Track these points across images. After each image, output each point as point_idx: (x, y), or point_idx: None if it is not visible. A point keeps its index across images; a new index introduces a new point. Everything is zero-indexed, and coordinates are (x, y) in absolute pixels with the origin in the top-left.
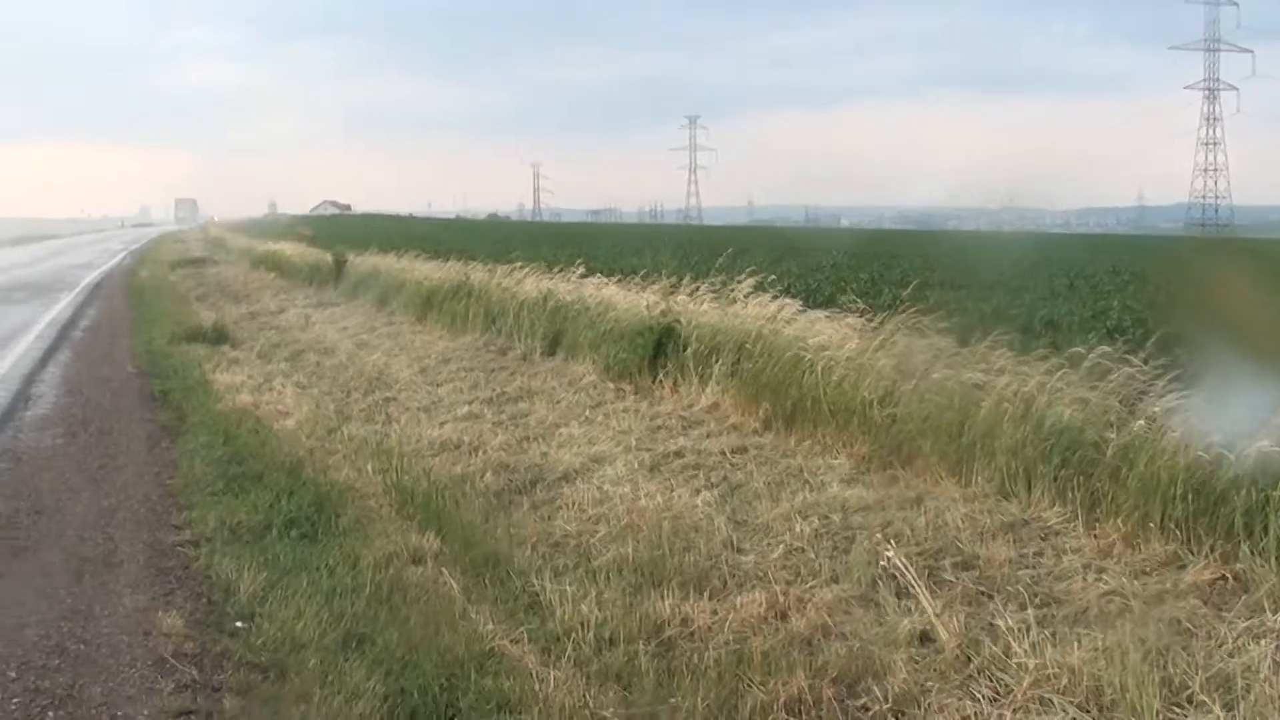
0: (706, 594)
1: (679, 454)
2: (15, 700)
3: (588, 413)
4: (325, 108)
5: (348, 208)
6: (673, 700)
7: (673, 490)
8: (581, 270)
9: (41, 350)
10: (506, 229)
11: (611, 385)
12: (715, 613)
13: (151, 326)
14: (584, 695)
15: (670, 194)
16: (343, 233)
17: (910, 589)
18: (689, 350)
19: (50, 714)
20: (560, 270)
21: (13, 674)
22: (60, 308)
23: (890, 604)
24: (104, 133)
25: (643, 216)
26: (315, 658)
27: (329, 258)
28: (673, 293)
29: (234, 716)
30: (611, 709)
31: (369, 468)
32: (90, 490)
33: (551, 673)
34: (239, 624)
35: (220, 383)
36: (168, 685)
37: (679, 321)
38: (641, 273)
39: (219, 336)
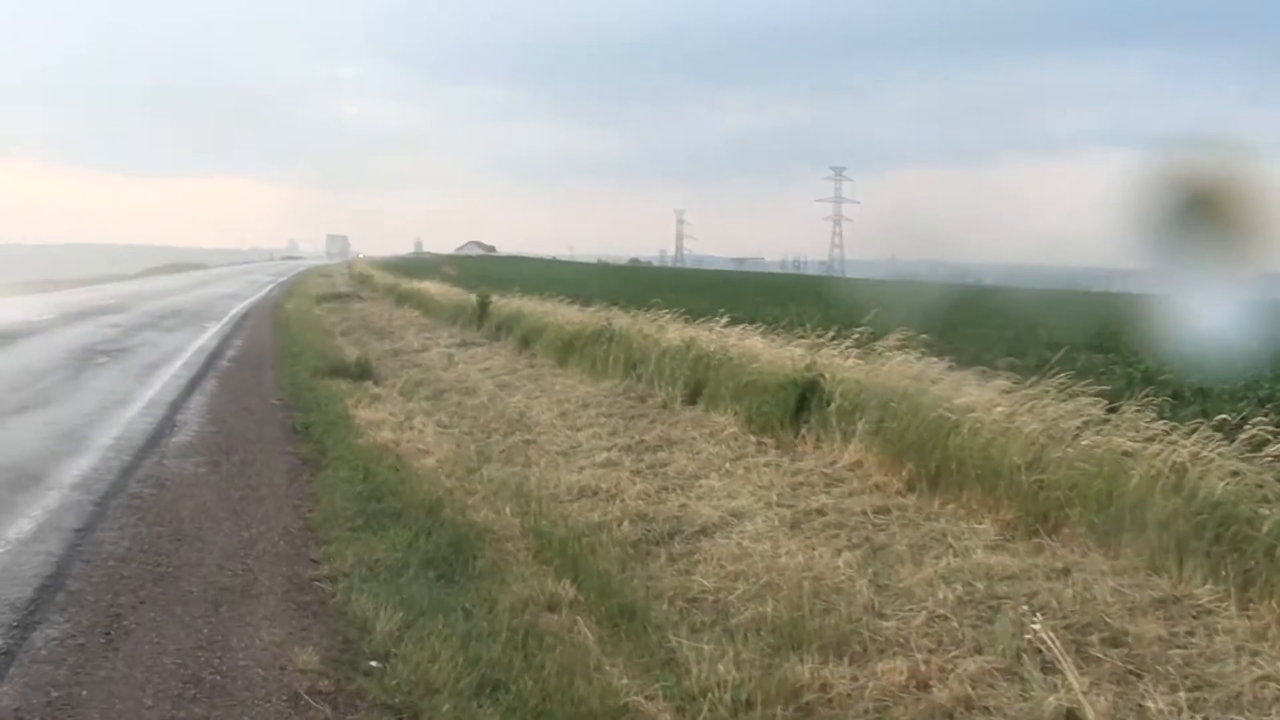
0: (846, 659)
1: (820, 512)
2: None
3: (728, 465)
4: (474, 150)
5: (492, 249)
6: None
7: (814, 549)
8: (725, 319)
9: (188, 378)
10: (648, 275)
11: (753, 438)
12: (855, 679)
13: (296, 359)
14: None
15: (813, 244)
16: (486, 274)
17: (1056, 664)
18: (832, 406)
19: None
20: (703, 318)
21: (149, 701)
22: (207, 337)
23: (1036, 679)
24: (257, 166)
25: (785, 266)
26: (449, 702)
27: (473, 298)
28: (818, 346)
29: None
30: None
31: (507, 510)
32: (231, 520)
33: None
34: (374, 663)
35: (362, 418)
36: None
37: (823, 376)
38: (784, 324)
39: (362, 372)
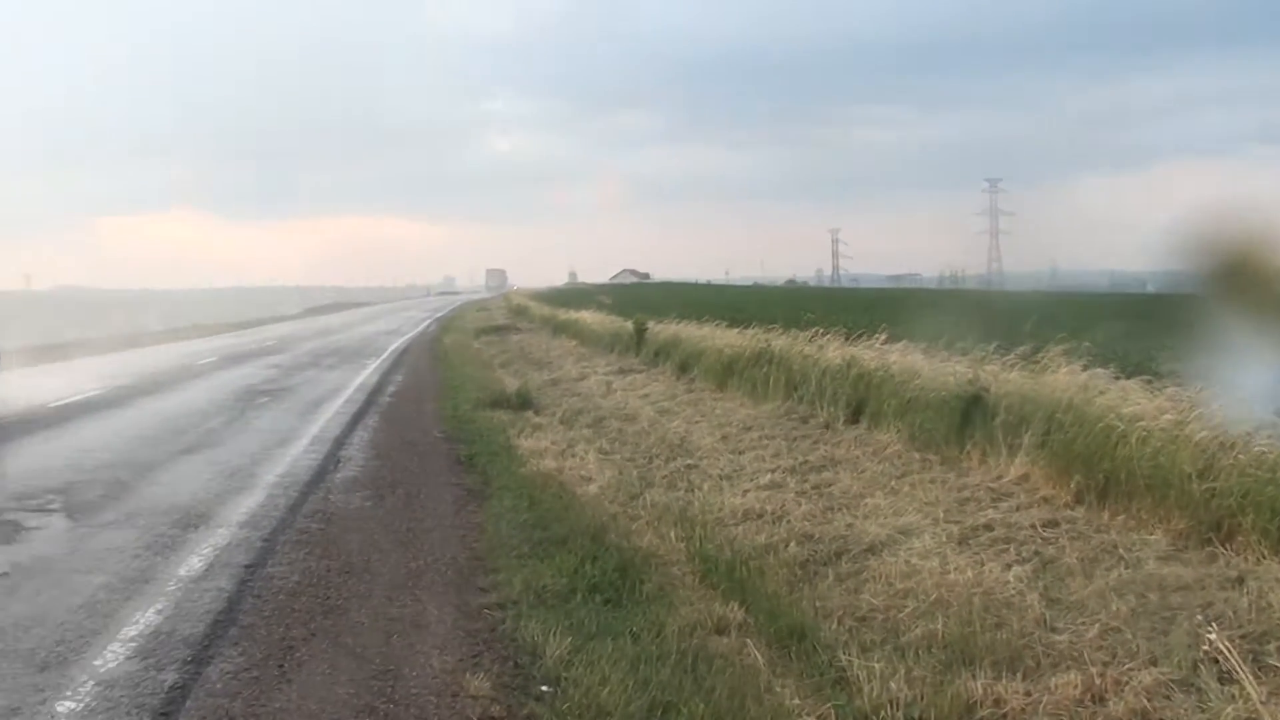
0: (1019, 674)
1: (988, 527)
2: None
3: (893, 483)
4: (624, 177)
5: (646, 276)
6: None
7: (982, 564)
8: (884, 336)
9: (350, 414)
10: (805, 295)
11: (917, 455)
12: (1029, 694)
13: (457, 392)
14: None
15: (971, 258)
16: (642, 301)
17: (1234, 674)
18: (997, 420)
19: None
20: (862, 336)
21: None
22: (368, 373)
23: (1213, 690)
24: (411, 204)
25: (942, 281)
26: None
27: (629, 325)
28: (979, 360)
29: None
30: None
31: (672, 534)
32: (398, 551)
33: None
34: (545, 688)
35: (524, 448)
36: None
37: (986, 390)
38: (943, 339)
39: (522, 402)
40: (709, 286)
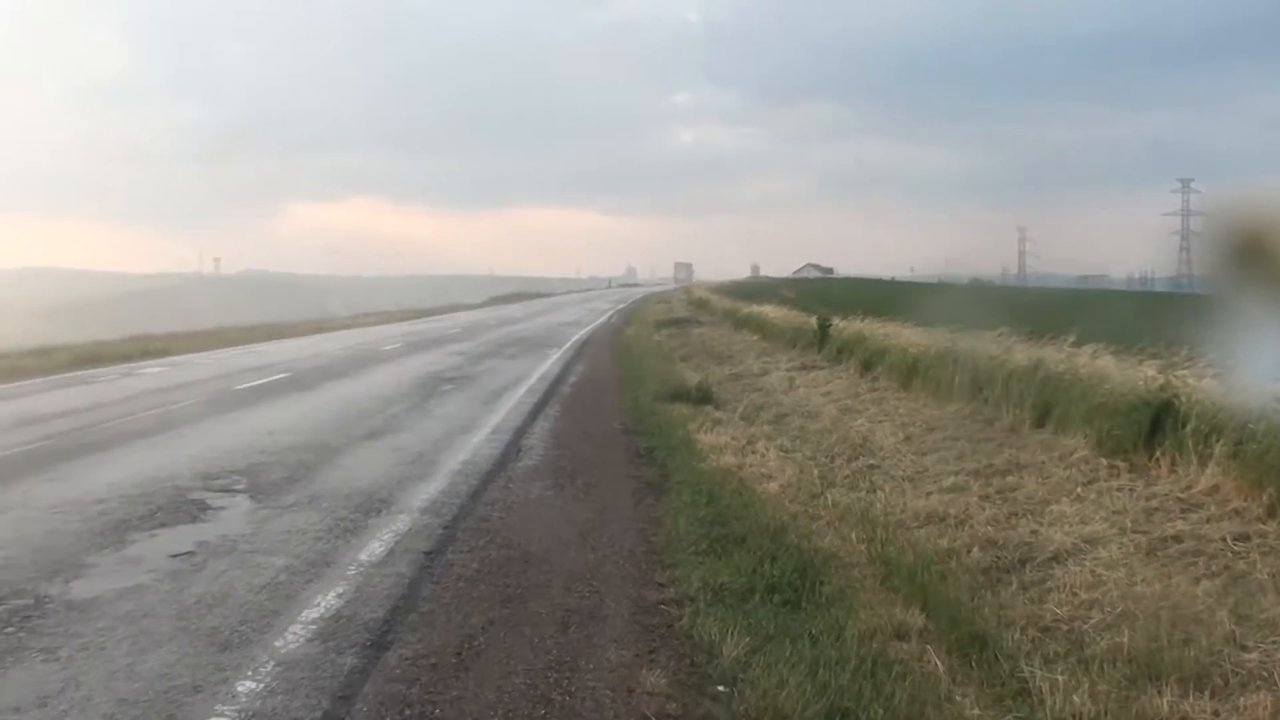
0: (1207, 692)
1: (1177, 538)
2: None
3: (1079, 489)
4: (808, 171)
5: (830, 271)
6: None
7: (1170, 577)
8: (1072, 338)
9: (532, 404)
10: (990, 294)
11: (1104, 461)
12: (1216, 713)
13: (637, 384)
14: None
15: (1161, 259)
16: (824, 296)
17: None
18: (1188, 427)
19: None
20: (1049, 337)
21: None
22: (549, 363)
23: None
24: (595, 196)
25: (1131, 283)
26: None
27: (811, 321)
28: (1170, 365)
29: None
30: None
31: (853, 536)
32: (577, 543)
33: None
34: (721, 688)
35: (704, 443)
36: None
37: (1178, 396)
38: (1137, 343)
39: (703, 397)
40: (893, 283)
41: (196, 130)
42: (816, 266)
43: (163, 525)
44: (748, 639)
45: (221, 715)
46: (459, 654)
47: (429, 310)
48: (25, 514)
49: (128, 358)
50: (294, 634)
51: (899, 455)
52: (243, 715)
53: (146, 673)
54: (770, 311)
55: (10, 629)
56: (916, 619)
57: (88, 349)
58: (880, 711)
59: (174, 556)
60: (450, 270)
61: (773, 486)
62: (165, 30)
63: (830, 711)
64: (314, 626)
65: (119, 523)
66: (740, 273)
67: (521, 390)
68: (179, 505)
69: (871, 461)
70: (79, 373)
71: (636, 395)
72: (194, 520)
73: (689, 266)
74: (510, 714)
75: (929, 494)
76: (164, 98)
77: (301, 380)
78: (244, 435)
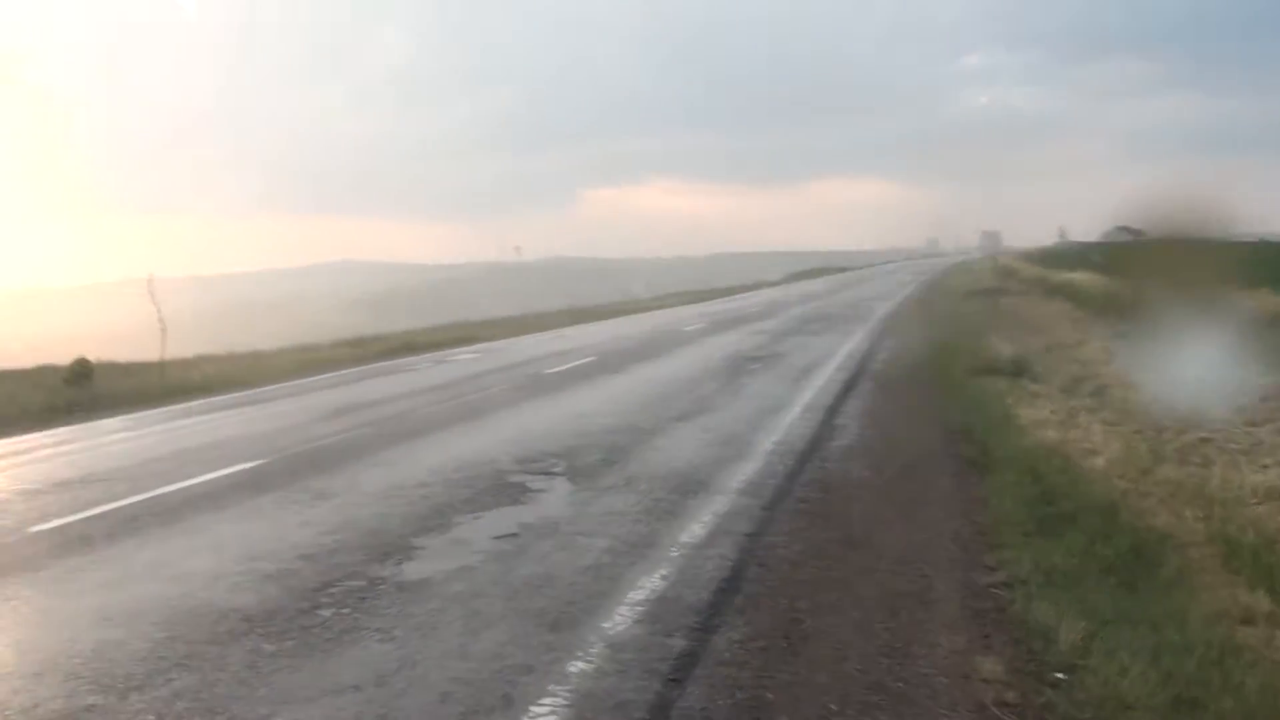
0: None
1: None
2: None
3: None
4: (1112, 129)
5: (1141, 233)
6: None
7: None
8: None
9: (841, 381)
10: None
11: None
12: None
13: (948, 358)
14: None
15: None
16: (1140, 260)
17: None
18: None
19: None
20: None
21: (834, 706)
22: (856, 339)
23: None
24: (892, 166)
25: None
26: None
27: (1125, 288)
28: None
29: None
30: None
31: (1188, 514)
32: (900, 524)
33: None
34: (1059, 675)
35: (1023, 417)
36: None
37: None
38: None
39: (1018, 369)
40: (1213, 242)
41: (494, 123)
42: (1127, 229)
43: (485, 508)
44: (1084, 623)
45: (554, 695)
46: (787, 637)
47: (728, 289)
48: (353, 499)
49: (437, 345)
50: (621, 615)
51: (1231, 427)
52: (575, 696)
53: (479, 652)
54: (1081, 278)
55: (346, 609)
56: (1263, 603)
57: (399, 338)
58: (1230, 702)
59: (498, 538)
60: (748, 248)
61: (1099, 462)
62: (457, 26)
63: (1176, 701)
64: (640, 608)
65: (443, 506)
66: (1045, 239)
67: (830, 367)
68: (499, 488)
69: (1202, 435)
70: (392, 361)
71: (948, 369)
72: (515, 503)
73: (997, 235)
74: (845, 699)
75: (1266, 468)
76: (458, 93)
77: (608, 363)
78: (557, 418)
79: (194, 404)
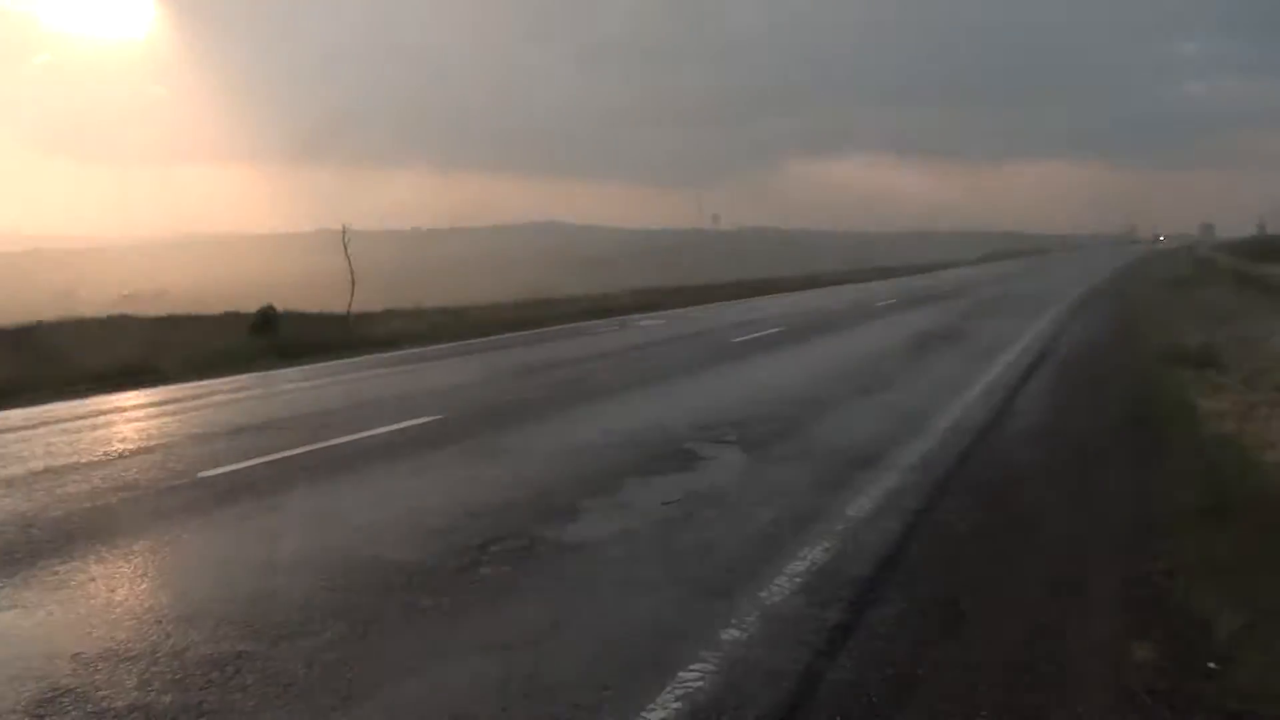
0: None
1: None
2: (982, 713)
3: None
4: None
5: None
6: None
7: None
8: None
9: (1025, 364)
10: None
11: None
12: None
13: (1135, 346)
14: None
15: None
16: None
17: None
18: None
19: None
20: None
21: (983, 687)
22: (1043, 322)
23: None
24: (1094, 148)
25: None
26: None
27: None
28: None
29: None
30: None
31: None
32: (1067, 508)
33: None
34: (1213, 665)
35: (1203, 408)
36: None
37: None
38: None
39: (1203, 360)
40: None
41: (703, 92)
42: None
43: (654, 473)
44: (1244, 615)
45: (704, 661)
46: (944, 616)
47: (923, 266)
48: (525, 458)
49: (626, 310)
50: (779, 586)
51: None
52: (725, 663)
53: (632, 616)
54: (1278, 271)
55: (506, 567)
56: None
57: (590, 300)
58: None
59: (665, 504)
60: (946, 226)
61: (1274, 455)
62: None
63: None
64: (799, 580)
65: (612, 469)
66: (1246, 230)
67: (1014, 350)
68: (671, 454)
69: None
70: (580, 324)
71: (1134, 357)
72: (685, 469)
73: (1211, 227)
74: (993, 681)
75: None
76: (669, 62)
77: (794, 334)
78: (737, 387)
79: (377, 357)
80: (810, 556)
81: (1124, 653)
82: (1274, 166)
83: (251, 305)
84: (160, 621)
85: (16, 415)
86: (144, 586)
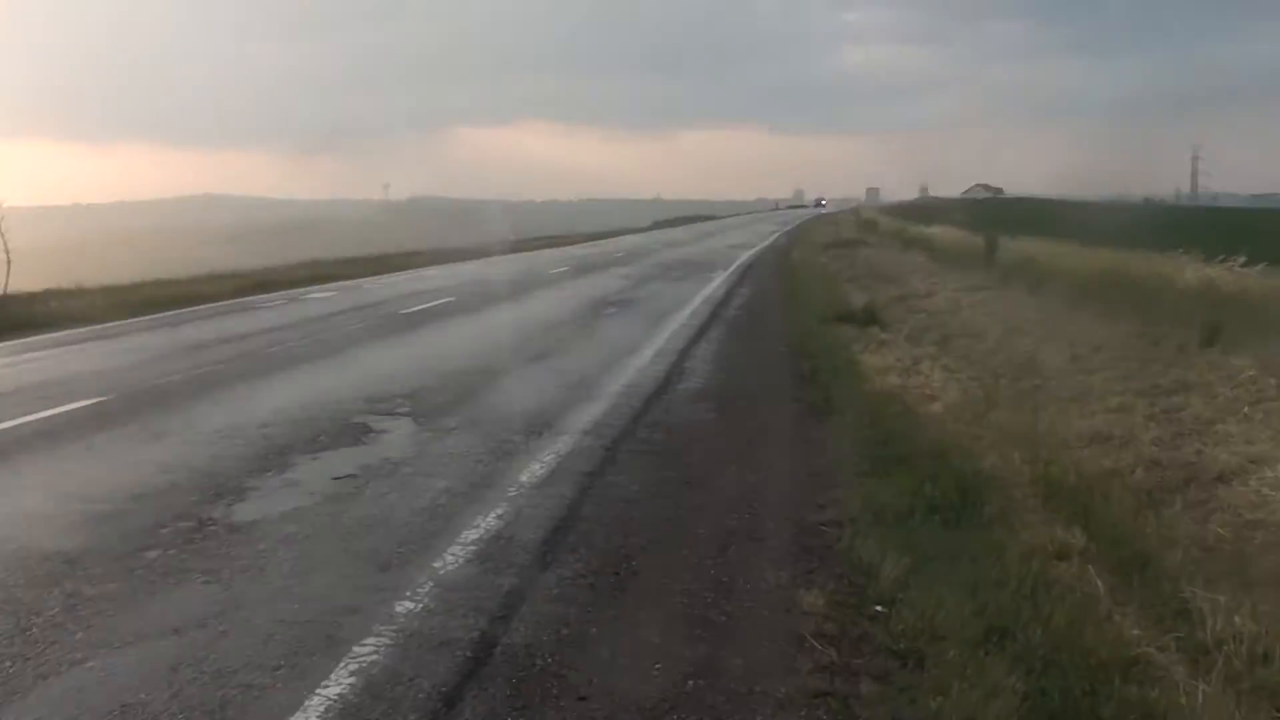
0: None
1: None
2: (657, 666)
3: (1246, 409)
4: (981, 90)
5: (999, 192)
6: None
7: None
8: (1243, 260)
9: (695, 326)
10: (1160, 214)
11: (1273, 381)
12: None
13: (801, 306)
14: (1234, 713)
15: None
16: (994, 217)
17: None
18: None
19: (690, 683)
20: (1221, 260)
21: (656, 640)
22: (714, 286)
23: None
24: (760, 116)
25: None
26: (954, 649)
27: (980, 242)
28: None
29: (871, 703)
30: None
31: (1015, 456)
32: (738, 464)
33: (1200, 686)
34: (879, 608)
35: (868, 364)
36: (806, 664)
37: None
38: None
39: (868, 318)
40: (1063, 203)
41: (365, 57)
42: (986, 187)
43: (325, 448)
44: (907, 559)
45: (379, 635)
46: (617, 574)
47: (595, 234)
48: (191, 438)
49: (295, 283)
50: (453, 555)
51: (1064, 375)
52: (399, 635)
53: (306, 594)
54: (938, 232)
55: (173, 551)
56: (1078, 539)
57: (257, 275)
58: (1039, 631)
59: (336, 479)
60: (617, 195)
61: (936, 408)
62: None
63: (988, 631)
64: (473, 548)
65: (282, 446)
66: (908, 194)
67: (685, 313)
68: (342, 429)
69: (1036, 382)
70: (248, 299)
71: (801, 317)
72: (357, 443)
73: (877, 191)
74: (667, 634)
75: (1093, 414)
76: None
77: (466, 304)
78: (409, 359)
79: (36, 339)
80: (484, 524)
81: (793, 601)
82: (930, 131)
83: None
84: None
85: None
86: None
